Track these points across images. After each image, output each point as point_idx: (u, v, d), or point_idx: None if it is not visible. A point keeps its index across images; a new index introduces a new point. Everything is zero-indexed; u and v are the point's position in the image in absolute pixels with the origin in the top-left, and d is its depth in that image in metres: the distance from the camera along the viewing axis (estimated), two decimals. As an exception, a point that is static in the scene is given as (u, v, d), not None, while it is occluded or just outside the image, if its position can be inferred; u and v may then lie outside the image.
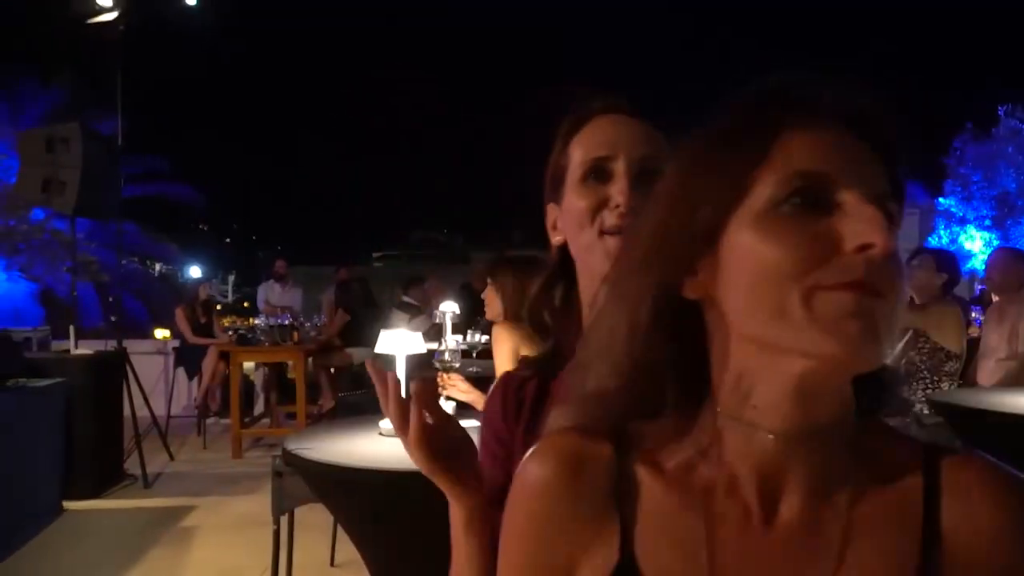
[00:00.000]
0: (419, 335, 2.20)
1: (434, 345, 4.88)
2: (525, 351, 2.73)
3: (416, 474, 1.71)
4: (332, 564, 4.04)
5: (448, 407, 2.38)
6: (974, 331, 5.12)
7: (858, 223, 0.55)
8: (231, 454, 6.47)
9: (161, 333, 9.85)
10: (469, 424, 2.24)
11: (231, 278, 47.08)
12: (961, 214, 10.05)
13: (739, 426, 0.60)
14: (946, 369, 3.61)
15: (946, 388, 3.58)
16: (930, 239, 10.64)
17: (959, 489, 0.61)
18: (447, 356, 2.60)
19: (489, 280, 2.84)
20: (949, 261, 3.85)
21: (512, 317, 2.78)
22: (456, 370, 2.68)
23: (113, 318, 9.70)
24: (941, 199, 10.51)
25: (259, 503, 5.16)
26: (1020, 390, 2.96)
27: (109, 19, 5.77)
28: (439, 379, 2.64)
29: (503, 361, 2.80)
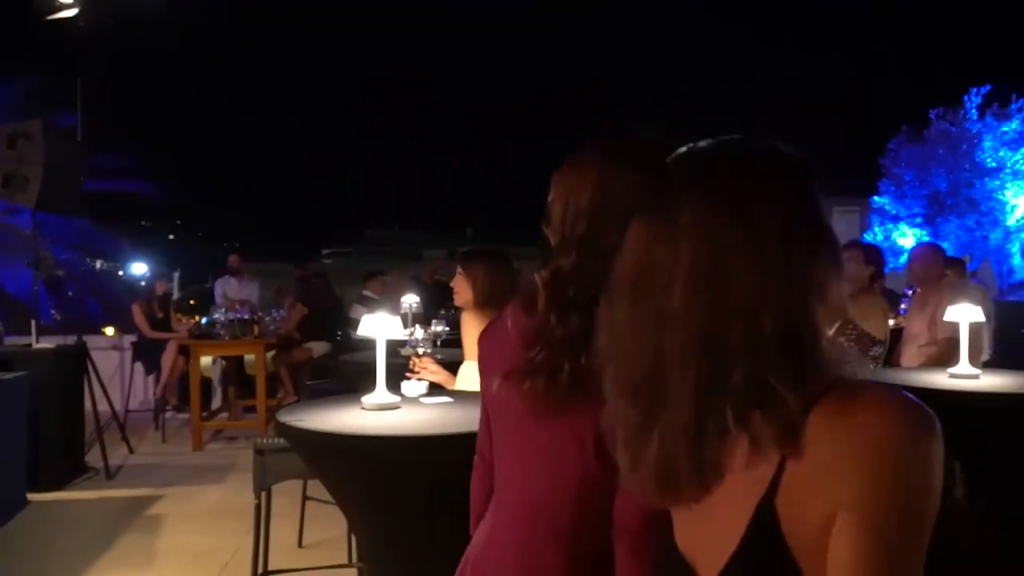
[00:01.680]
0: (398, 319, 2.38)
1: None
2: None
3: (405, 440, 1.91)
4: (300, 545, 4.19)
5: (421, 387, 2.57)
6: (902, 320, 5.48)
7: None
8: (191, 446, 6.53)
9: (110, 331, 9.77)
10: (441, 400, 2.45)
11: (176, 275, 46.30)
12: (895, 212, 10.59)
13: None
14: (872, 353, 3.93)
15: (871, 369, 3.90)
16: (866, 235, 11.16)
17: None
18: (420, 341, 2.81)
19: (460, 269, 3.05)
20: (875, 255, 4.18)
21: (482, 305, 3.00)
22: (427, 354, 2.88)
23: (55, 313, 9.53)
24: (876, 197, 11.04)
25: (223, 492, 5.27)
26: (934, 370, 3.27)
27: (69, 15, 5.81)
28: (412, 363, 2.83)
29: (472, 345, 3.00)
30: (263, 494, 2.94)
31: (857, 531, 0.71)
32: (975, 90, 9.88)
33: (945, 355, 3.94)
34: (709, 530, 0.83)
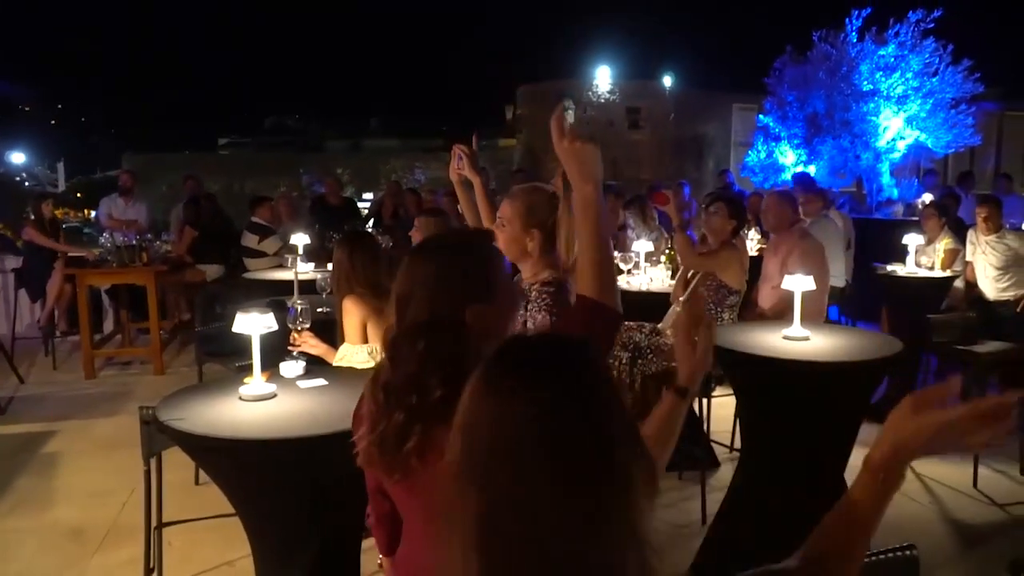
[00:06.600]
0: (271, 316, 2.51)
1: (289, 275, 5.12)
2: (372, 324, 3.13)
3: (272, 441, 2.11)
4: (196, 483, 4.35)
5: (299, 368, 2.74)
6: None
7: None
8: (84, 375, 6.54)
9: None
10: (316, 383, 2.62)
11: (60, 165, 43.53)
12: (777, 131, 10.99)
13: None
14: (728, 303, 4.31)
15: (727, 318, 4.28)
16: (750, 152, 11.61)
17: None
18: (300, 312, 2.96)
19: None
20: (739, 208, 4.50)
21: (362, 288, 3.19)
22: (307, 328, 3.04)
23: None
24: (761, 116, 11.40)
25: (119, 425, 5.34)
26: (772, 326, 3.63)
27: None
28: (292, 338, 2.99)
29: (352, 332, 3.18)
30: (152, 460, 3.08)
31: None
32: (856, 12, 10.17)
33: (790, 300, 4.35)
34: None
